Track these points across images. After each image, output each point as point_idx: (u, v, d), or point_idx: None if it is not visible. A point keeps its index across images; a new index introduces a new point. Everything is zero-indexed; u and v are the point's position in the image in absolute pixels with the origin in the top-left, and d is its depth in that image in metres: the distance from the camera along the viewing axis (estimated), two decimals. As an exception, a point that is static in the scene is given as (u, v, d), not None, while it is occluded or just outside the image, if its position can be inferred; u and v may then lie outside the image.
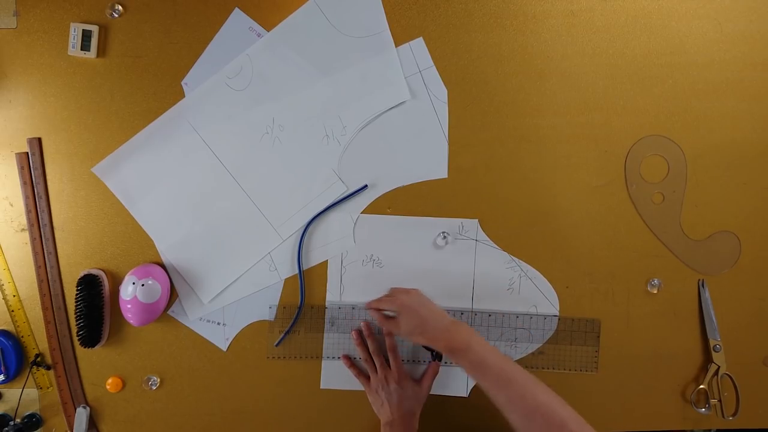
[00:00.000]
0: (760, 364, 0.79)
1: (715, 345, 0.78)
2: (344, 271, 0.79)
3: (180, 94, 0.77)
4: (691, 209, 0.78)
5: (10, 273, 0.78)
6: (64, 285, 0.78)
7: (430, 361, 0.77)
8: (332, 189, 0.78)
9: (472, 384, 0.79)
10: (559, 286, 0.78)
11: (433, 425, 0.80)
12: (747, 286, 0.78)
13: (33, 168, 0.77)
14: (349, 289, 0.79)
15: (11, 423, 0.77)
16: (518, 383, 0.60)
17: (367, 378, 0.77)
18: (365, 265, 0.79)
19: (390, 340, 0.76)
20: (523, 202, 0.78)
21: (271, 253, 0.78)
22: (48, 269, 0.78)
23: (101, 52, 0.77)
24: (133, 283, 0.74)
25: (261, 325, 0.79)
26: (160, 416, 0.80)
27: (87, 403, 0.79)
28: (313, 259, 0.79)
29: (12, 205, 0.78)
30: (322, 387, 0.80)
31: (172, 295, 0.78)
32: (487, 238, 0.78)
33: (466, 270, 0.78)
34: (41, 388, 0.79)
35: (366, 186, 0.77)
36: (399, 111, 0.77)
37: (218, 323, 0.79)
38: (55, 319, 0.78)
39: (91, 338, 0.75)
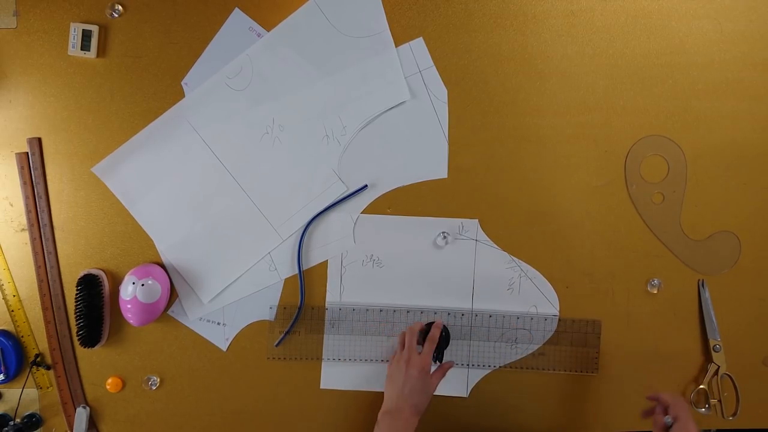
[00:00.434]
0: (760, 364, 0.79)
1: (715, 345, 0.78)
2: (344, 271, 0.79)
3: (180, 94, 0.77)
4: (691, 209, 0.78)
5: (10, 273, 0.78)
6: (64, 285, 0.78)
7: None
8: (332, 189, 0.78)
9: (472, 384, 0.79)
10: (559, 286, 0.78)
11: (433, 425, 0.80)
12: (747, 286, 0.78)
13: (33, 168, 0.77)
14: (349, 289, 0.79)
15: (11, 423, 0.77)
16: None
17: (401, 349, 0.73)
18: (365, 265, 0.79)
19: (435, 331, 0.74)
20: (523, 202, 0.78)
21: (271, 253, 0.78)
22: (48, 269, 0.78)
23: (101, 52, 0.77)
24: (133, 283, 0.74)
25: (261, 325, 0.79)
26: (160, 416, 0.80)
27: (87, 403, 0.79)
28: (313, 259, 0.79)
29: (12, 205, 0.78)
30: (322, 387, 0.80)
31: (172, 295, 0.78)
32: (487, 238, 0.78)
33: (466, 270, 0.78)
34: (41, 388, 0.79)
35: (366, 186, 0.77)
36: (399, 111, 0.77)
37: (218, 323, 0.79)
38: (55, 319, 0.78)
39: (91, 338, 0.75)
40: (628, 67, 0.77)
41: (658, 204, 0.78)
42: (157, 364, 0.79)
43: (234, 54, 0.77)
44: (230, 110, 0.77)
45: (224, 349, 0.79)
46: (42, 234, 0.77)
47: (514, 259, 0.78)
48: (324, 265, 0.79)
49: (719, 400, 0.78)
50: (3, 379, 0.78)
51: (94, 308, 0.75)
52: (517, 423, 0.80)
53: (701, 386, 0.78)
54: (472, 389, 0.79)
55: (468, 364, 0.79)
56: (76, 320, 0.75)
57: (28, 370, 0.78)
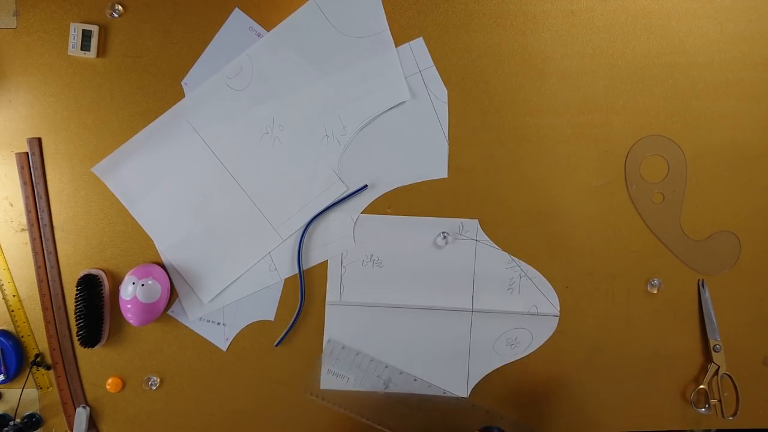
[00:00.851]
0: (760, 364, 0.79)
1: (715, 345, 0.78)
2: (344, 271, 0.79)
3: (180, 94, 0.77)
4: (691, 209, 0.78)
5: (10, 273, 0.78)
6: (64, 285, 0.78)
7: None
8: (332, 189, 0.78)
9: (472, 384, 0.79)
10: (559, 286, 0.78)
11: (433, 425, 0.80)
12: (747, 286, 0.78)
13: (33, 168, 0.77)
14: (349, 289, 0.79)
15: (11, 423, 0.77)
16: None
17: None
18: (365, 265, 0.79)
19: None
20: (523, 202, 0.78)
21: (271, 253, 0.78)
22: (48, 269, 0.78)
23: (101, 52, 0.77)
24: (133, 283, 0.74)
25: (261, 325, 0.79)
26: (160, 416, 0.80)
27: (87, 403, 0.79)
28: (312, 259, 0.79)
29: (12, 205, 0.78)
30: (322, 387, 0.80)
31: (172, 295, 0.78)
32: (487, 238, 0.78)
33: (466, 270, 0.78)
34: (41, 388, 0.79)
35: (366, 186, 0.77)
36: (399, 111, 0.77)
37: (218, 323, 0.79)
38: (55, 319, 0.78)
39: (91, 338, 0.75)
40: (628, 67, 0.77)
41: (658, 204, 0.78)
42: (157, 364, 0.80)
43: (234, 54, 0.77)
44: (230, 110, 0.77)
45: (224, 349, 0.79)
46: (42, 234, 0.77)
47: (514, 259, 0.78)
48: (324, 265, 0.79)
49: (719, 400, 0.78)
50: (3, 379, 0.78)
51: (94, 308, 0.75)
52: (517, 423, 0.80)
53: (701, 386, 0.78)
54: (473, 389, 0.79)
55: (468, 364, 0.79)
56: (76, 320, 0.75)
57: (28, 370, 0.78)
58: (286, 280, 0.79)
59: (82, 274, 0.76)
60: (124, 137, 0.77)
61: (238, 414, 0.80)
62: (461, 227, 0.78)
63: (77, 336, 0.75)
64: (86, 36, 0.75)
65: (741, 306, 0.79)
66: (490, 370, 0.79)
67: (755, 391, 0.79)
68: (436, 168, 0.78)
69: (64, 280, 0.78)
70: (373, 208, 0.78)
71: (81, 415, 0.78)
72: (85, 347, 0.75)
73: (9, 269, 0.78)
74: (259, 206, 0.78)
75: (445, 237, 0.78)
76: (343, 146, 0.78)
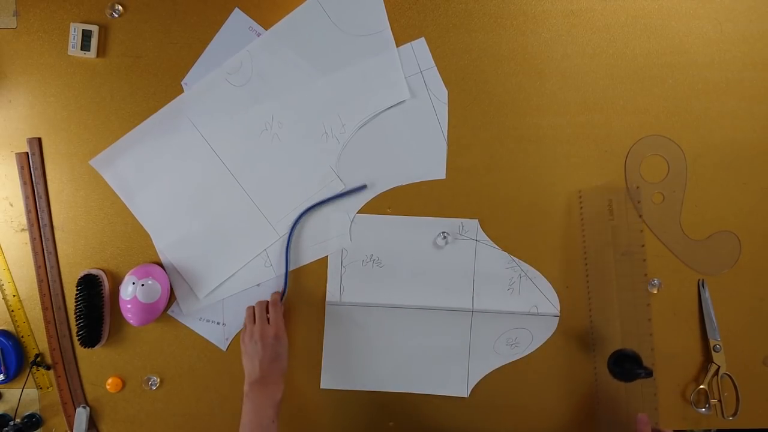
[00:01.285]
0: (760, 364, 0.79)
1: (715, 345, 0.78)
2: (344, 271, 0.79)
3: (180, 94, 0.77)
4: (691, 209, 0.78)
5: (10, 273, 0.78)
6: (64, 285, 0.78)
7: None
8: (330, 187, 0.78)
9: (472, 384, 0.79)
10: (559, 286, 0.78)
11: (434, 425, 0.80)
12: (747, 286, 0.78)
13: (33, 168, 0.77)
14: (349, 289, 0.79)
15: (11, 423, 0.77)
16: None
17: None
18: (365, 265, 0.79)
19: (276, 296, 0.76)
20: (523, 202, 0.78)
21: (267, 250, 0.78)
22: (48, 269, 0.78)
23: (101, 52, 0.77)
24: (133, 283, 0.74)
25: (261, 325, 0.79)
26: (160, 416, 0.80)
27: (87, 403, 0.79)
28: (308, 256, 0.79)
29: (12, 205, 0.78)
30: (322, 387, 0.80)
31: (172, 295, 0.78)
32: (487, 238, 0.78)
33: (466, 270, 0.78)
34: (41, 388, 0.79)
35: (365, 186, 0.77)
36: (399, 110, 0.77)
37: (218, 323, 0.79)
38: (55, 319, 0.78)
39: (91, 338, 0.75)
40: (628, 67, 0.77)
41: (658, 204, 0.78)
42: (157, 364, 0.80)
43: (234, 54, 0.77)
44: (229, 106, 0.77)
45: (224, 348, 0.79)
46: (42, 234, 0.77)
47: (514, 259, 0.78)
48: (324, 264, 0.79)
49: (719, 400, 0.78)
50: (3, 379, 0.78)
51: (94, 308, 0.75)
52: (517, 423, 0.80)
53: (701, 386, 0.78)
54: (473, 389, 0.79)
55: (468, 364, 0.79)
56: (76, 320, 0.75)
57: (28, 370, 0.78)
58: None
59: (82, 274, 0.76)
60: (124, 137, 0.77)
61: (238, 414, 0.80)
62: (461, 227, 0.78)
63: (77, 336, 0.75)
64: (86, 36, 0.75)
65: (741, 306, 0.79)
66: (491, 370, 0.79)
67: (755, 391, 0.79)
68: (435, 168, 0.78)
69: (64, 280, 0.78)
70: (373, 208, 0.78)
71: (81, 415, 0.78)
72: (85, 347, 0.75)
73: (9, 269, 0.78)
74: (257, 202, 0.78)
75: (445, 237, 0.78)
76: (342, 144, 0.78)
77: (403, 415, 0.80)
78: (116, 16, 0.76)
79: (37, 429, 0.79)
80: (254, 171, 0.78)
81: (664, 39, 0.77)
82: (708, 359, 0.78)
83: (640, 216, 0.77)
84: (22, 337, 0.79)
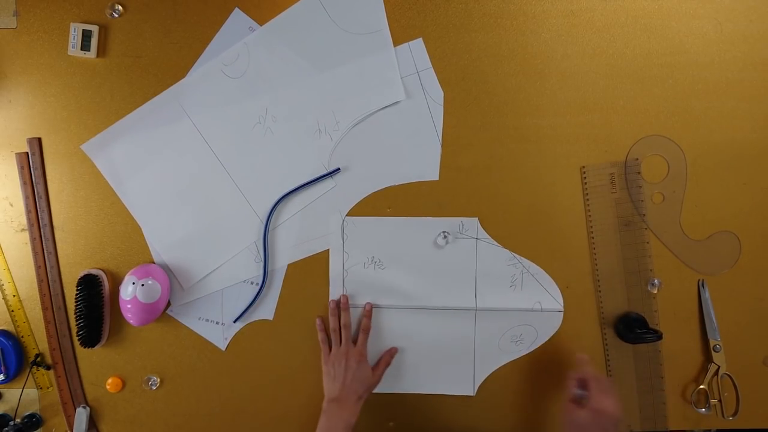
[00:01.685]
0: (760, 364, 0.79)
1: (715, 345, 0.78)
2: (346, 275, 0.79)
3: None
4: (691, 209, 0.78)
5: (10, 273, 0.78)
6: (64, 285, 0.78)
7: None
8: (321, 183, 0.78)
9: (479, 382, 0.79)
10: (559, 285, 0.78)
11: (442, 424, 0.80)
12: (747, 286, 0.78)
13: (33, 168, 0.77)
14: (351, 292, 0.79)
15: (11, 423, 0.77)
16: None
17: (329, 348, 0.77)
18: (367, 267, 0.79)
19: (367, 321, 0.77)
20: (523, 202, 0.78)
21: (256, 243, 0.78)
22: (48, 269, 0.78)
23: (101, 52, 0.77)
24: (133, 283, 0.74)
25: (260, 325, 0.79)
26: (160, 416, 0.80)
27: (87, 403, 0.79)
28: (302, 252, 0.78)
29: (12, 205, 0.78)
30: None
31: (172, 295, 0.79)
32: (488, 236, 0.78)
33: (468, 269, 0.78)
34: (41, 388, 0.79)
35: (338, 169, 0.77)
36: (394, 110, 0.77)
37: (217, 323, 0.79)
38: (55, 319, 0.78)
39: (91, 338, 0.75)
40: (628, 67, 0.77)
41: (658, 204, 0.78)
42: (157, 364, 0.80)
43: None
44: (224, 97, 0.77)
45: (223, 348, 0.79)
46: (42, 234, 0.77)
47: (516, 255, 0.78)
48: (326, 267, 0.79)
49: (719, 400, 0.78)
50: (3, 379, 0.78)
51: (94, 308, 0.75)
52: (524, 419, 0.80)
53: (701, 386, 0.78)
54: (479, 387, 0.79)
55: (474, 363, 0.79)
56: (76, 320, 0.75)
57: (28, 370, 0.78)
58: (286, 280, 0.79)
59: (82, 274, 0.76)
60: (124, 137, 0.77)
61: (238, 414, 0.80)
62: (461, 226, 0.78)
63: (77, 336, 0.75)
64: (86, 36, 0.75)
65: (741, 306, 0.79)
66: (496, 368, 0.79)
67: (755, 391, 0.79)
68: (428, 169, 0.78)
69: (64, 280, 0.78)
70: (373, 209, 0.78)
71: (81, 415, 0.78)
72: (85, 347, 0.75)
73: (9, 269, 0.78)
74: (246, 195, 0.78)
75: (445, 236, 0.78)
76: (334, 142, 0.78)
77: (403, 415, 0.80)
78: (116, 16, 0.76)
79: (37, 429, 0.79)
80: (245, 163, 0.78)
81: (664, 39, 0.77)
82: (708, 359, 0.78)
83: (640, 187, 0.77)
84: (22, 337, 0.79)
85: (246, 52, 0.76)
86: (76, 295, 0.75)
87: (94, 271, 0.77)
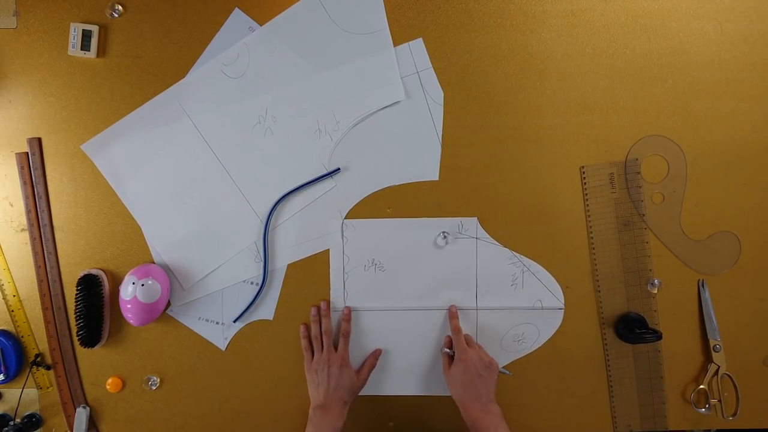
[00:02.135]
0: (760, 364, 0.79)
1: (715, 345, 0.78)
2: (347, 277, 0.79)
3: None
4: (691, 209, 0.78)
5: (10, 273, 0.78)
6: (64, 285, 0.78)
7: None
8: (320, 183, 0.78)
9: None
10: (561, 281, 0.78)
11: (441, 425, 0.80)
12: (747, 286, 0.78)
13: (33, 168, 0.77)
14: (352, 295, 0.79)
15: (11, 423, 0.77)
16: None
17: (312, 355, 0.77)
18: (367, 269, 0.79)
19: (346, 325, 0.77)
20: (523, 203, 0.78)
21: (256, 243, 0.78)
22: (48, 269, 0.78)
23: (101, 52, 0.77)
24: (133, 283, 0.74)
25: (260, 325, 0.79)
26: (160, 416, 0.80)
27: (87, 403, 0.79)
28: (301, 253, 0.78)
29: (12, 205, 0.78)
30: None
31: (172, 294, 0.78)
32: (488, 236, 0.78)
33: (468, 268, 0.78)
34: (41, 388, 0.79)
35: (338, 169, 0.77)
36: (394, 110, 0.77)
37: (217, 322, 0.79)
38: (55, 319, 0.78)
39: (90, 338, 0.75)
40: (628, 67, 0.77)
41: (658, 204, 0.78)
42: (157, 364, 0.80)
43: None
44: (224, 97, 0.77)
45: (223, 348, 0.79)
46: (42, 234, 0.77)
47: (516, 254, 0.78)
48: (325, 268, 0.79)
49: (719, 400, 0.78)
50: (3, 379, 0.78)
51: (94, 308, 0.75)
52: (526, 420, 0.80)
53: (701, 386, 0.78)
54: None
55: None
56: (76, 320, 0.75)
57: (28, 370, 0.78)
58: (286, 280, 0.79)
59: (82, 274, 0.76)
60: (124, 137, 0.77)
61: (238, 414, 0.80)
62: (461, 226, 0.78)
63: (77, 336, 0.75)
64: (86, 36, 0.75)
65: (741, 306, 0.79)
66: (498, 367, 0.79)
67: (755, 391, 0.79)
68: (428, 169, 0.78)
69: (64, 280, 0.78)
70: (373, 210, 0.78)
71: (81, 415, 0.78)
72: (85, 347, 0.75)
73: (9, 269, 0.78)
74: (245, 194, 0.78)
75: (445, 237, 0.78)
76: (335, 142, 0.78)
77: (403, 415, 0.80)
78: (116, 16, 0.76)
79: (37, 429, 0.79)
80: (245, 163, 0.78)
81: (664, 39, 0.77)
82: (708, 359, 0.78)
83: (640, 187, 0.77)
84: (22, 337, 0.79)
85: (246, 52, 0.76)
86: (76, 295, 0.75)
87: (94, 271, 0.77)
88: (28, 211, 0.77)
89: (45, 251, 0.78)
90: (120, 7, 0.76)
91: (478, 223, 0.78)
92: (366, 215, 0.78)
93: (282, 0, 0.76)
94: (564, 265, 0.78)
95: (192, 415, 0.80)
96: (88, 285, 0.75)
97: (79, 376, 0.79)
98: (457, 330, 0.76)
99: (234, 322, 0.78)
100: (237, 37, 0.76)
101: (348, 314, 0.78)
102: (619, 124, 0.77)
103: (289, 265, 0.79)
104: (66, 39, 0.76)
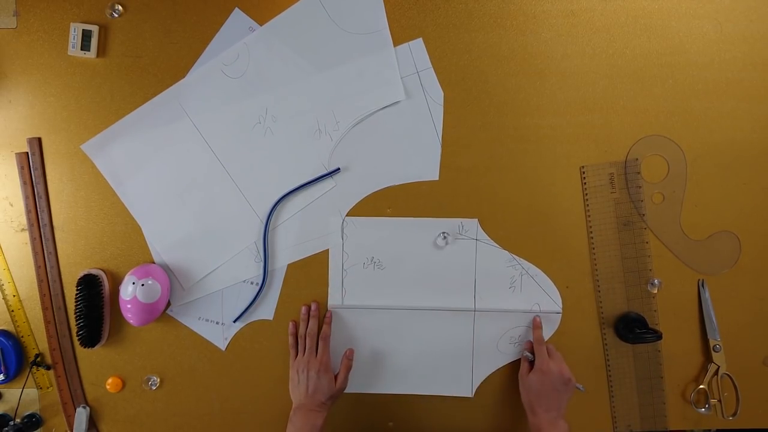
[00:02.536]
0: (760, 364, 0.79)
1: (715, 345, 0.78)
2: (345, 275, 0.79)
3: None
4: (691, 209, 0.78)
5: (10, 273, 0.78)
6: (64, 285, 0.78)
7: None
8: (320, 183, 0.78)
9: (477, 384, 0.79)
10: (559, 285, 0.78)
11: (440, 426, 0.80)
12: (747, 286, 0.78)
13: (33, 168, 0.77)
14: (350, 292, 0.79)
15: (11, 423, 0.77)
16: None
17: (296, 353, 0.77)
18: (366, 267, 0.79)
19: (326, 328, 0.77)
20: (523, 203, 0.78)
21: (256, 243, 0.78)
22: (48, 269, 0.78)
23: (101, 52, 0.77)
24: (133, 283, 0.74)
25: (260, 325, 0.79)
26: (160, 416, 0.80)
27: (87, 403, 0.79)
28: (301, 252, 0.78)
29: (12, 205, 0.78)
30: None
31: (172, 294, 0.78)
32: (488, 237, 0.78)
33: (467, 269, 0.78)
34: (41, 388, 0.79)
35: (338, 169, 0.77)
36: (394, 110, 0.77)
37: (217, 323, 0.79)
38: (55, 319, 0.78)
39: (90, 338, 0.75)
40: (628, 67, 0.77)
41: (658, 204, 0.78)
42: (157, 364, 0.80)
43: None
44: (224, 97, 0.77)
45: (223, 348, 0.79)
46: (42, 234, 0.77)
47: (515, 257, 0.78)
48: (325, 268, 0.79)
49: (719, 400, 0.78)
50: (3, 379, 0.78)
51: (94, 308, 0.75)
52: (523, 422, 0.80)
53: (701, 386, 0.78)
54: (477, 389, 0.79)
55: (472, 364, 0.79)
56: (76, 320, 0.75)
57: (28, 370, 0.78)
58: (286, 280, 0.79)
59: (82, 274, 0.76)
60: (124, 137, 0.77)
61: (238, 414, 0.80)
62: (461, 227, 0.78)
63: (77, 336, 0.75)
64: (86, 36, 0.75)
65: (741, 306, 0.79)
66: (495, 369, 0.79)
67: (755, 391, 0.79)
68: (428, 169, 0.78)
69: (64, 280, 0.78)
70: (373, 210, 0.78)
71: (81, 415, 0.78)
72: (85, 347, 0.75)
73: (9, 269, 0.78)
74: (246, 194, 0.78)
75: (445, 237, 0.78)
76: (335, 142, 0.78)
77: (402, 415, 0.80)
78: (116, 16, 0.76)
79: (37, 429, 0.79)
80: (245, 163, 0.78)
81: (664, 39, 0.77)
82: (708, 359, 0.78)
83: (640, 187, 0.77)
84: (22, 337, 0.79)
85: (246, 52, 0.76)
86: (76, 295, 0.75)
87: (94, 271, 0.77)
88: (28, 211, 0.77)
89: (45, 251, 0.78)
90: (120, 7, 0.76)
91: (479, 225, 0.78)
92: (366, 215, 0.78)
93: (282, 0, 0.76)
94: (564, 264, 0.78)
95: (192, 415, 0.80)
96: (88, 285, 0.75)
97: (79, 376, 0.79)
98: (539, 341, 0.76)
99: (234, 322, 0.78)
100: (237, 37, 0.76)
101: (329, 317, 0.78)
102: (619, 124, 0.77)
103: (289, 265, 0.79)
104: (66, 39, 0.76)
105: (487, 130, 0.78)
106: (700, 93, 0.77)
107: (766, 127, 0.77)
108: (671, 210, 0.78)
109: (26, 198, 0.77)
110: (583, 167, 0.77)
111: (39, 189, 0.77)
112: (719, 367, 0.78)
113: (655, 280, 0.78)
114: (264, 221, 0.77)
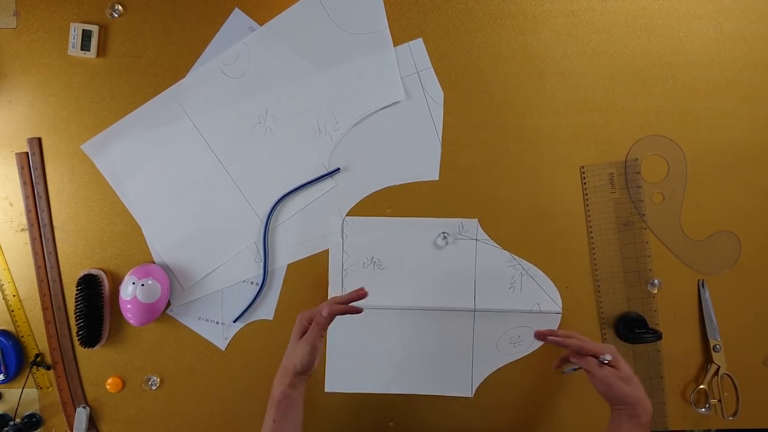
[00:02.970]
0: (760, 364, 0.79)
1: (715, 345, 0.78)
2: (345, 274, 0.79)
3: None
4: (691, 209, 0.78)
5: (10, 273, 0.78)
6: (64, 285, 0.78)
7: None
8: (320, 183, 0.78)
9: (476, 384, 0.79)
10: (559, 285, 0.78)
11: (439, 426, 0.80)
12: (747, 286, 0.78)
13: (33, 168, 0.77)
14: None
15: (11, 423, 0.77)
16: None
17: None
18: (366, 267, 0.79)
19: (337, 308, 0.66)
20: (523, 203, 0.78)
21: (256, 243, 0.78)
22: (48, 269, 0.78)
23: (101, 52, 0.77)
24: (133, 283, 0.74)
25: (260, 325, 0.79)
26: (160, 416, 0.80)
27: (87, 403, 0.79)
28: (300, 253, 0.79)
29: (12, 205, 0.78)
30: (326, 390, 0.80)
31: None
32: (488, 238, 0.78)
33: (467, 269, 0.78)
34: (41, 388, 0.79)
35: (338, 169, 0.77)
36: (394, 110, 0.77)
37: (217, 322, 0.79)
38: (55, 319, 0.78)
39: (90, 338, 0.75)
40: (628, 67, 0.77)
41: (658, 204, 0.78)
42: (157, 364, 0.80)
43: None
44: (224, 97, 0.77)
45: (223, 348, 0.79)
46: (42, 234, 0.77)
47: (515, 257, 0.78)
48: (325, 268, 0.79)
49: (719, 400, 0.78)
50: (3, 379, 0.78)
51: (94, 308, 0.75)
52: (522, 422, 0.80)
53: (701, 386, 0.78)
54: (477, 389, 0.79)
55: (472, 364, 0.79)
56: (76, 320, 0.75)
57: (28, 370, 0.78)
58: (286, 280, 0.79)
59: (82, 274, 0.76)
60: (124, 137, 0.77)
61: (238, 414, 0.80)
62: (461, 227, 0.78)
63: (77, 336, 0.75)
64: (86, 36, 0.75)
65: (741, 306, 0.79)
66: (494, 369, 0.79)
67: (755, 391, 0.79)
68: (428, 169, 0.78)
69: (64, 280, 0.78)
70: (373, 210, 0.78)
71: (81, 415, 0.78)
72: (85, 347, 0.75)
73: (9, 269, 0.78)
74: (246, 194, 0.78)
75: (445, 237, 0.78)
76: (335, 142, 0.78)
77: (402, 415, 0.80)
78: (116, 16, 0.76)
79: (37, 429, 0.79)
80: (245, 163, 0.78)
81: (664, 39, 0.77)
82: (708, 359, 0.78)
83: (640, 187, 0.77)
84: (22, 337, 0.79)
85: (246, 52, 0.76)
86: (76, 295, 0.75)
87: (94, 271, 0.77)
88: (28, 211, 0.77)
89: (45, 251, 0.78)
90: (120, 7, 0.76)
91: (479, 225, 0.78)
92: (366, 215, 0.78)
93: (282, 0, 0.76)
94: (564, 265, 0.78)
95: (192, 415, 0.80)
96: (88, 285, 0.75)
97: (79, 376, 0.79)
98: (582, 350, 0.67)
99: (234, 322, 0.78)
100: (237, 37, 0.76)
101: (361, 292, 0.68)
102: (619, 124, 0.77)
103: (289, 265, 0.79)
104: (66, 39, 0.76)
105: (487, 130, 0.78)
106: (700, 93, 0.77)
107: (766, 127, 0.77)
108: (671, 210, 0.78)
109: (26, 198, 0.77)
110: (583, 167, 0.77)
111: (39, 189, 0.77)
112: (719, 367, 0.78)
113: (655, 280, 0.78)
114: (264, 221, 0.77)
